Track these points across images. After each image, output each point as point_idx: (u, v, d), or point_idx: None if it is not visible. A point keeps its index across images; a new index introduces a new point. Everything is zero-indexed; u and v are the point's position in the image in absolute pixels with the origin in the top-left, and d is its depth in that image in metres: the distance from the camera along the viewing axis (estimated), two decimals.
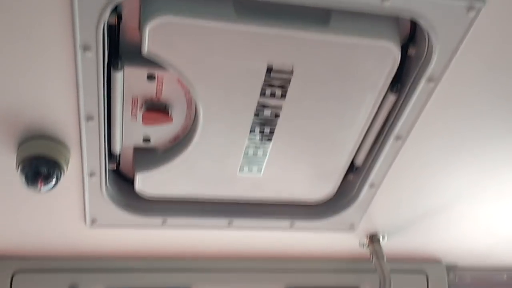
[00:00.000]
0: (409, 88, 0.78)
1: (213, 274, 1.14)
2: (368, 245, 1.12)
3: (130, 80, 0.75)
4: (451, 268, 1.25)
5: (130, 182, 0.93)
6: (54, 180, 0.77)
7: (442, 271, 1.24)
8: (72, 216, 0.93)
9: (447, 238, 1.16)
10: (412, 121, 0.84)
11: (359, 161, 0.94)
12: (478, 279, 1.29)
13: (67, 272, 1.05)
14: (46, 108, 0.74)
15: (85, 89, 0.71)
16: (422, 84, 0.77)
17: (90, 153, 0.81)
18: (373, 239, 1.12)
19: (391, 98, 0.81)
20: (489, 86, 0.81)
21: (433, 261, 1.24)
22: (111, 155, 0.87)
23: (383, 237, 1.12)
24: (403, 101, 0.81)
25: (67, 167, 0.80)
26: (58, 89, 0.72)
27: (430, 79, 0.76)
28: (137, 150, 0.89)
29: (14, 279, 1.01)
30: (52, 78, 0.70)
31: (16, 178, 0.78)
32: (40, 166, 0.76)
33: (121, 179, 0.94)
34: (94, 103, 0.74)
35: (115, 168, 0.91)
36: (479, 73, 0.78)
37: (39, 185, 0.76)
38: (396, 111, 0.83)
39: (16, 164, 0.78)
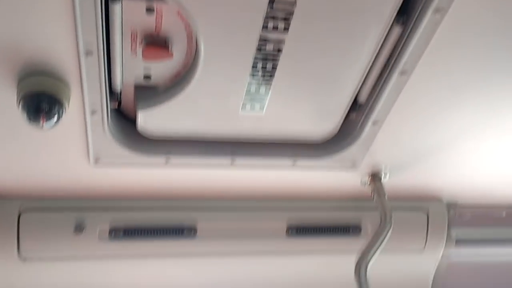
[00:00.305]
0: (416, 19, 0.76)
1: (217, 213, 1.15)
2: (369, 183, 1.13)
3: (129, 13, 0.73)
4: (451, 206, 1.27)
5: (133, 122, 0.93)
6: (55, 116, 0.76)
7: (443, 209, 1.26)
8: (76, 155, 0.94)
9: (449, 176, 1.17)
10: (418, 55, 0.82)
11: (363, 98, 0.93)
12: (478, 216, 1.31)
13: (73, 211, 1.06)
14: (45, 43, 0.73)
15: (83, 22, 0.70)
16: (428, 15, 0.75)
17: (90, 90, 0.80)
18: (375, 177, 1.12)
19: (397, 30, 0.79)
20: (497, 20, 0.78)
21: (434, 199, 1.25)
22: (112, 93, 0.86)
23: (385, 175, 1.12)
24: (409, 33, 0.79)
25: (68, 104, 0.79)
26: (56, 23, 0.70)
27: (437, 10, 0.74)
28: (138, 88, 0.88)
29: (21, 218, 1.03)
30: (49, 11, 0.68)
31: (19, 116, 0.78)
32: (41, 102, 0.75)
33: (123, 119, 0.94)
34: (93, 38, 0.72)
35: (116, 106, 0.90)
36: (487, 6, 0.76)
37: (41, 121, 0.75)
38: (401, 45, 0.81)
39: (17, 100, 0.77)
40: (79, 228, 1.05)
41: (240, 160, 1.00)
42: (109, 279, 1.13)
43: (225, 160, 1.00)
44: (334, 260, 1.24)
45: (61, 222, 1.05)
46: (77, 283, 1.11)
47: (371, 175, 1.12)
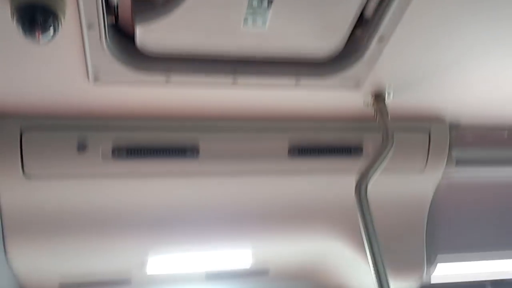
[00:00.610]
0: None
1: (219, 134, 1.15)
2: (372, 104, 1.12)
3: None
4: (453, 127, 1.27)
5: (132, 39, 0.90)
6: (51, 29, 0.74)
7: (445, 129, 1.26)
8: (75, 72, 0.92)
9: (453, 96, 1.16)
10: None
11: (369, 12, 0.90)
12: (479, 137, 1.31)
13: (76, 130, 1.06)
14: None
15: None
16: None
17: (86, 1, 0.77)
18: (378, 97, 1.11)
19: None
20: None
21: (437, 120, 1.25)
22: (109, 7, 0.83)
23: (389, 95, 1.11)
24: None
25: (63, 16, 0.76)
26: None
27: None
28: (136, 2, 0.85)
29: (23, 137, 1.03)
30: None
31: (15, 31, 0.76)
32: (35, 14, 0.73)
33: (122, 36, 0.91)
34: None
35: (114, 21, 0.87)
36: None
37: (37, 34, 0.73)
38: None
39: (11, 14, 0.74)
40: (81, 147, 1.05)
41: (242, 79, 0.99)
42: (112, 198, 1.15)
43: (226, 79, 0.98)
44: (335, 180, 1.25)
45: (64, 140, 1.05)
46: (81, 202, 1.13)
47: (375, 95, 1.11)
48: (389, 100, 1.12)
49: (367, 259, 1.06)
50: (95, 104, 1.02)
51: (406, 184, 1.30)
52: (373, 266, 1.03)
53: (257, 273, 1.45)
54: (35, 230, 1.12)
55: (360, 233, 1.08)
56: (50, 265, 1.22)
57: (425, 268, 1.32)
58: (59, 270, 1.26)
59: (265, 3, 0.84)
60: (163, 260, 1.30)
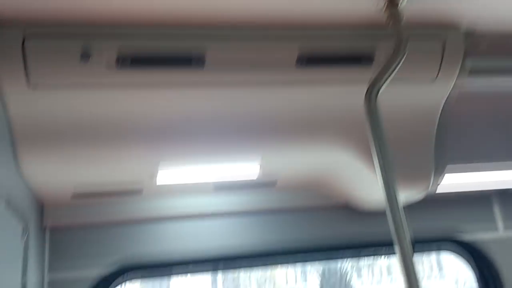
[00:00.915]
0: None
1: (226, 42, 1.11)
2: (386, 9, 1.07)
3: None
4: (469, 35, 1.21)
5: None
6: None
7: (460, 37, 1.21)
8: None
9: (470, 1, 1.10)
10: None
11: None
12: (494, 46, 1.26)
13: (79, 39, 1.03)
14: None
15: None
16: None
17: None
18: (392, 1, 1.05)
19: None
20: None
21: (452, 27, 1.19)
22: None
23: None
24: None
25: None
26: None
27: None
28: None
29: (25, 45, 1.00)
30: None
31: None
32: None
33: None
34: None
35: None
36: None
37: None
38: None
39: None
40: (85, 55, 1.02)
41: None
42: (118, 108, 1.14)
43: None
44: (345, 90, 1.22)
45: (67, 49, 1.02)
46: (89, 112, 1.12)
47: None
48: (403, 5, 1.06)
49: (375, 169, 1.05)
50: (97, 10, 0.98)
51: (417, 94, 1.27)
52: (381, 175, 1.03)
53: (264, 183, 1.47)
54: (45, 140, 1.13)
55: (369, 144, 1.07)
56: (63, 174, 1.24)
57: (433, 178, 1.32)
58: (72, 179, 1.28)
59: None
60: (172, 172, 1.32)
